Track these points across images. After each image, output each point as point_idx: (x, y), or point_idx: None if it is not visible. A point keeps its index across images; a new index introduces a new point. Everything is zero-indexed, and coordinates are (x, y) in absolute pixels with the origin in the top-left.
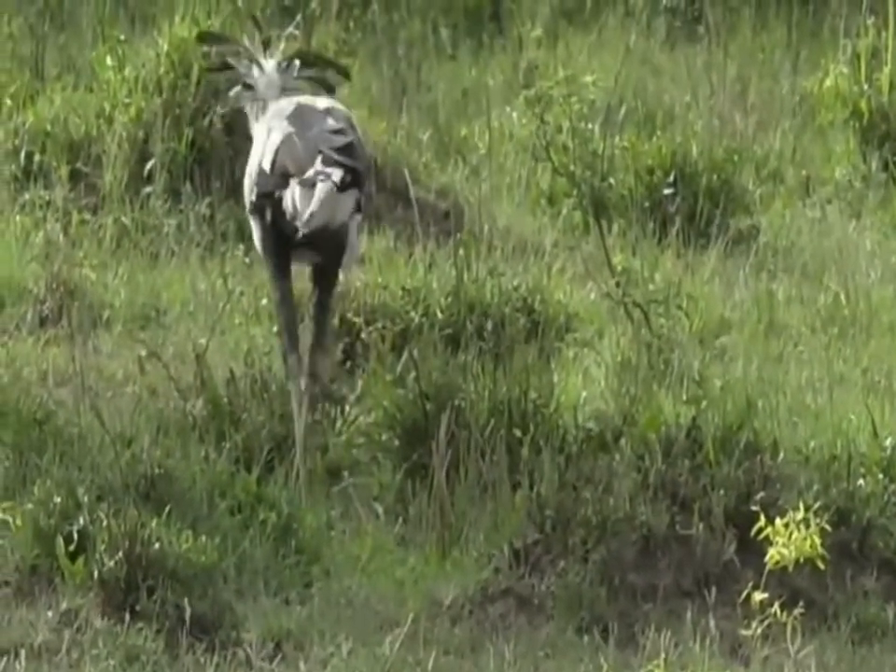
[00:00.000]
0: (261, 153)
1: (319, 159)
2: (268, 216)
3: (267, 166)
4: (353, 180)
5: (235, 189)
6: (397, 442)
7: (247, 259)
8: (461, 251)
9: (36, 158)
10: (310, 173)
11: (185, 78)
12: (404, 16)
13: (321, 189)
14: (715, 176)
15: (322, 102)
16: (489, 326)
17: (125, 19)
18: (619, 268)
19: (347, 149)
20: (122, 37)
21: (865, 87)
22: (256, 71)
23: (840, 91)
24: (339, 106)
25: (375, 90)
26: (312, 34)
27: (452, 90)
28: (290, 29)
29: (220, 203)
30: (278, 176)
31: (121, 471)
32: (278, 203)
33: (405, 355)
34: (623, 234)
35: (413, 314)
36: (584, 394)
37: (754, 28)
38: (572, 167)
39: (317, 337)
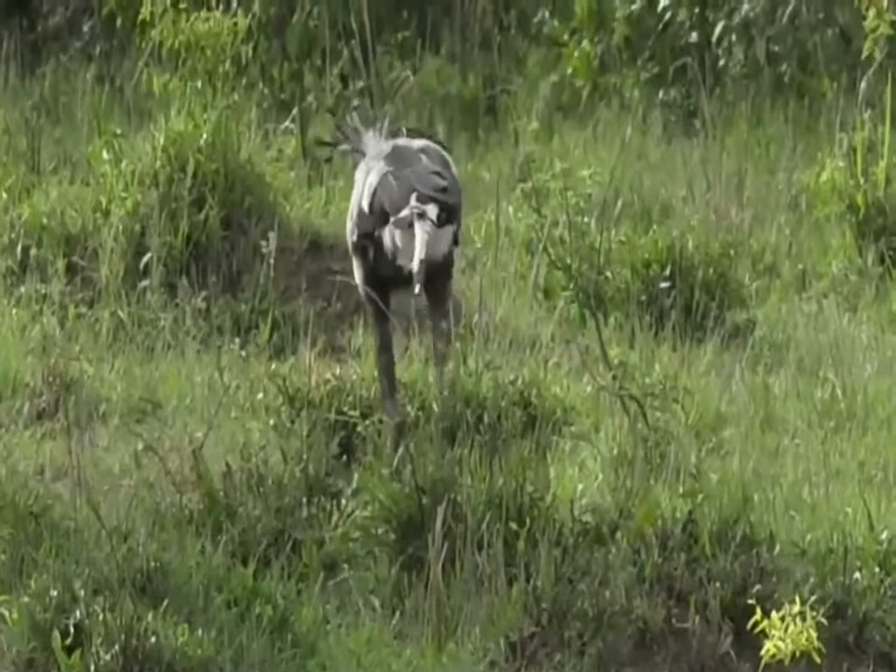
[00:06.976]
0: (361, 194)
1: (414, 196)
2: (370, 256)
3: (366, 206)
4: (448, 216)
5: (231, 283)
6: (393, 536)
7: (243, 353)
8: (458, 344)
9: (32, 251)
10: (405, 212)
11: (181, 172)
12: (400, 109)
13: (420, 228)
14: (711, 270)
15: (418, 142)
16: (486, 419)
17: (121, 113)
18: (615, 361)
19: (442, 187)
20: (118, 131)
21: (861, 181)
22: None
23: (836, 184)
24: (433, 146)
25: None
26: (307, 128)
27: None
28: (287, 123)
29: (216, 296)
30: (377, 216)
31: (118, 565)
32: (379, 243)
33: (401, 448)
34: (620, 328)
35: (409, 407)
36: (581, 487)
37: (750, 122)
38: (569, 261)
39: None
